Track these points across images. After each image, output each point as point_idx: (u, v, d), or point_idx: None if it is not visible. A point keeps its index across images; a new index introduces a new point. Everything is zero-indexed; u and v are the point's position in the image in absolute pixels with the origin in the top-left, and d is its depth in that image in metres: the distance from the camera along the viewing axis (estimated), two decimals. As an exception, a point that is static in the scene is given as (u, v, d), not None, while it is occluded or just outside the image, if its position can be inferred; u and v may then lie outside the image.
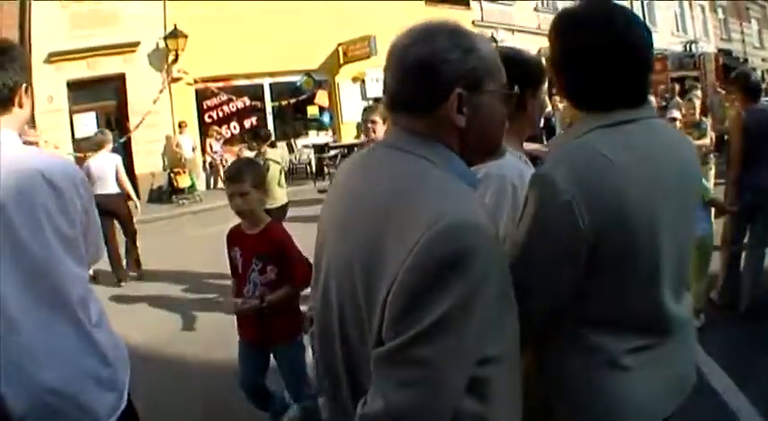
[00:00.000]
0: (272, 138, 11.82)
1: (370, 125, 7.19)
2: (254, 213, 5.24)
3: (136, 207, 12.29)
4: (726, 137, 10.13)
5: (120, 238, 11.81)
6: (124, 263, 11.74)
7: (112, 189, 11.29)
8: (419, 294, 1.72)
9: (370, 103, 17.57)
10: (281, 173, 10.27)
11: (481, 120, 1.98)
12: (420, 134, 1.98)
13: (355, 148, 20.99)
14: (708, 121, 12.16)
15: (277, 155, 10.79)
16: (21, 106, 3.08)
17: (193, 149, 23.41)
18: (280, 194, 10.10)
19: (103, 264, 10.66)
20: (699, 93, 16.73)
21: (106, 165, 11.39)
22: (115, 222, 11.48)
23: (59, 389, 2.76)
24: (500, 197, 2.80)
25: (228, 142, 24.90)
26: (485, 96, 1.98)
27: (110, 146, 11.97)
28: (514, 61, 2.85)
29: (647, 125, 2.36)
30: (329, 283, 2.06)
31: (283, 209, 10.03)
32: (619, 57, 2.29)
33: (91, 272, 4.18)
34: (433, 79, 1.92)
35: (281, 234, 5.30)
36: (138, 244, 12.08)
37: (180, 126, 23.17)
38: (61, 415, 2.79)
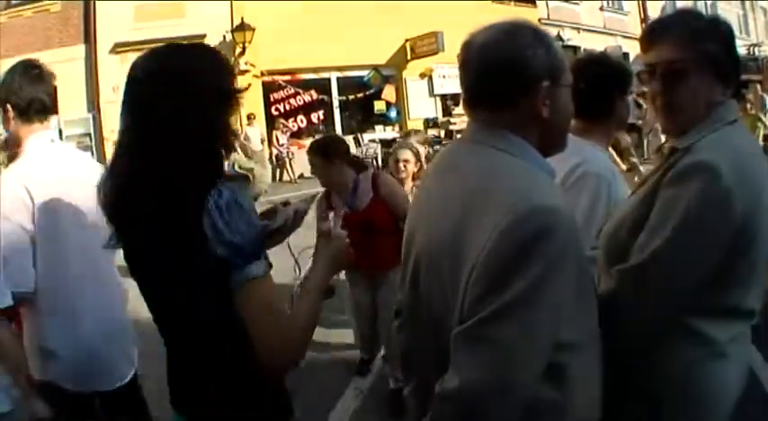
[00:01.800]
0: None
1: (401, 165, 6.63)
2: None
3: None
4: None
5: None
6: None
7: None
8: (497, 275, 1.80)
9: (399, 138, 17.76)
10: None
11: (558, 113, 2.07)
12: (499, 128, 2.05)
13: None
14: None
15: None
16: None
17: (262, 142, 23.44)
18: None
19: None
20: (751, 94, 16.80)
21: None
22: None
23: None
24: (595, 199, 3.01)
25: (295, 135, 25.05)
26: (562, 90, 2.07)
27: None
28: (603, 64, 3.22)
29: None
30: (419, 272, 2.16)
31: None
32: (736, 62, 2.47)
33: None
34: (521, 73, 1.99)
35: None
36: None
37: (248, 118, 23.28)
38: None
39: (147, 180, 2.13)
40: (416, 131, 16.78)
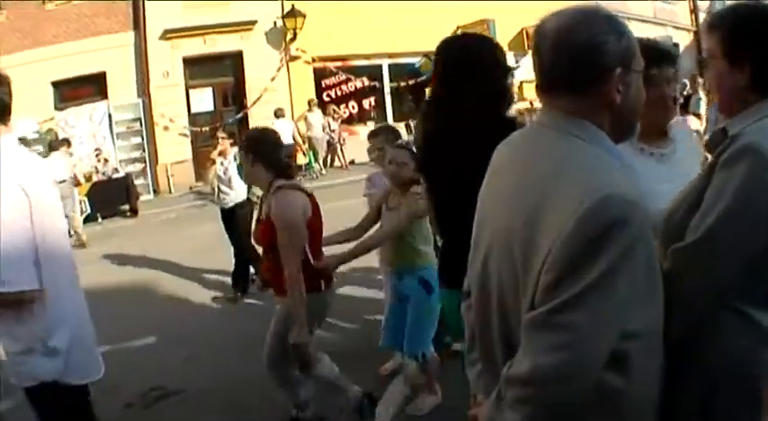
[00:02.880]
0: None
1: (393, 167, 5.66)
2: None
3: None
4: None
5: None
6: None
7: None
8: (571, 262, 1.82)
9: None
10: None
11: (630, 99, 2.07)
12: (572, 114, 2.06)
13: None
14: None
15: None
16: None
17: (323, 128, 23.24)
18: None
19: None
20: None
21: None
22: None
23: None
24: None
25: (347, 122, 25.01)
26: (634, 76, 2.07)
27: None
28: (656, 48, 3.25)
29: None
30: (490, 256, 2.18)
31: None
32: None
33: None
34: (597, 59, 2.00)
35: None
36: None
37: (309, 104, 23.17)
38: None
39: (457, 137, 2.95)
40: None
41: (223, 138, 11.09)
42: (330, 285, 5.38)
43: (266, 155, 5.30)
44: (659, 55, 3.18)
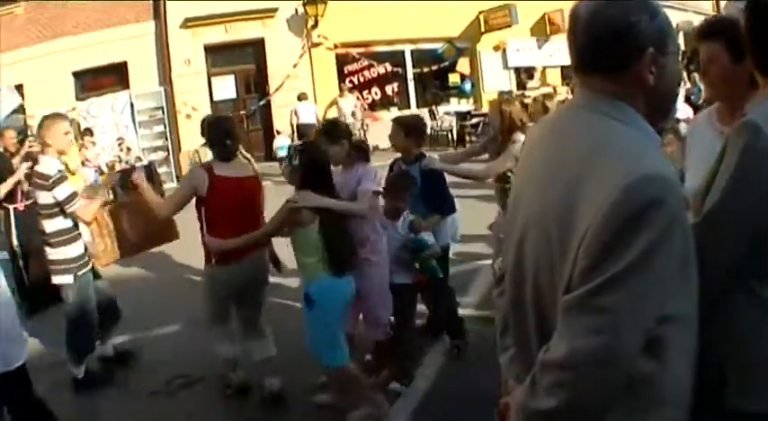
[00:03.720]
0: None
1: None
2: None
3: None
4: None
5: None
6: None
7: None
8: (608, 244, 1.79)
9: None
10: None
11: (664, 80, 2.04)
12: (607, 94, 2.05)
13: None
14: None
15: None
16: None
17: (353, 114, 23.03)
18: None
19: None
20: None
21: None
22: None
23: None
24: None
25: (370, 107, 24.93)
26: (668, 58, 2.04)
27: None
28: None
29: None
30: (525, 240, 2.15)
31: None
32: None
33: None
34: (629, 40, 1.98)
35: None
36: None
37: (341, 90, 23.04)
38: None
39: None
40: None
41: None
42: (227, 262, 5.89)
43: (212, 138, 6.42)
44: None
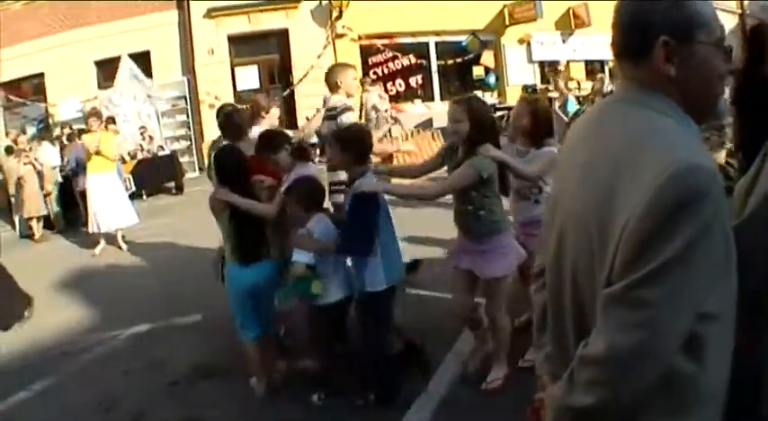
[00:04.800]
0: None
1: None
2: None
3: None
4: None
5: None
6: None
7: None
8: (650, 236, 1.74)
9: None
10: None
11: (692, 71, 1.96)
12: (643, 84, 2.00)
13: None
14: None
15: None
16: None
17: (374, 108, 22.63)
18: None
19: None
20: None
21: None
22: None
23: None
24: None
25: (394, 99, 24.51)
26: (697, 48, 1.95)
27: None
28: None
29: None
30: (564, 236, 2.12)
31: None
32: None
33: None
34: (640, 26, 1.96)
35: None
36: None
37: (361, 84, 22.78)
38: None
39: None
40: None
41: None
42: None
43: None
44: None
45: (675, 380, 1.84)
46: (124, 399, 6.32)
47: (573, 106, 14.08)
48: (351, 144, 5.55)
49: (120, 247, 12.94)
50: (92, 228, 12.95)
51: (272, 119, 8.09)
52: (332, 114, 7.43)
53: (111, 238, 13.10)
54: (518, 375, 5.55)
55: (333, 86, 7.68)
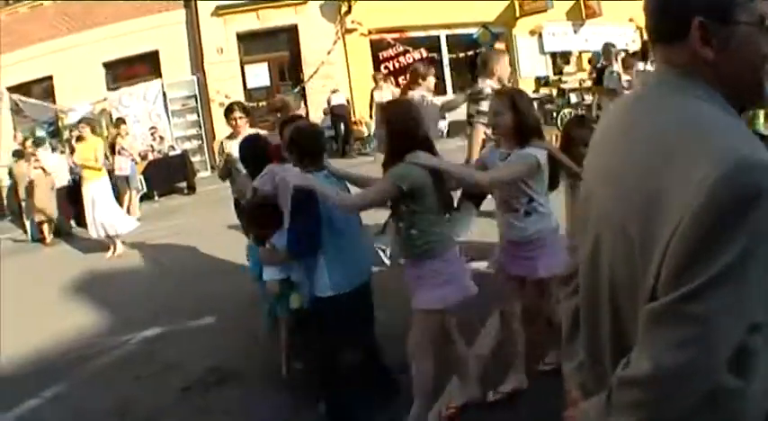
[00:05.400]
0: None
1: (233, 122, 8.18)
2: None
3: None
4: None
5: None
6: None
7: None
8: (702, 243, 1.57)
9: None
10: None
11: (732, 54, 1.80)
12: (680, 68, 1.85)
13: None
14: None
15: None
16: None
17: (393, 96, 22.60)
18: None
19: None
20: None
21: None
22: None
23: None
24: None
25: (405, 93, 24.30)
26: (737, 29, 1.79)
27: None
28: None
29: None
30: (600, 238, 1.96)
31: None
32: None
33: None
34: (674, 7, 1.84)
35: None
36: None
37: (375, 81, 22.70)
38: None
39: None
40: None
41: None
42: None
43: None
44: None
45: (721, 394, 1.69)
46: (136, 406, 6.21)
47: None
48: (292, 142, 5.25)
49: (118, 252, 12.89)
50: (94, 234, 12.98)
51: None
52: (477, 97, 8.05)
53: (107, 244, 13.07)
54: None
55: (488, 73, 8.23)
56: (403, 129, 4.71)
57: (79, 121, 13.45)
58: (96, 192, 12.82)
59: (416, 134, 4.73)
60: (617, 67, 14.90)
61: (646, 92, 2.04)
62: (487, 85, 7.99)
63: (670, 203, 1.65)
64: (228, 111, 8.19)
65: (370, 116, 21.66)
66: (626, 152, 1.89)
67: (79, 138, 13.31)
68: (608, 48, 16.56)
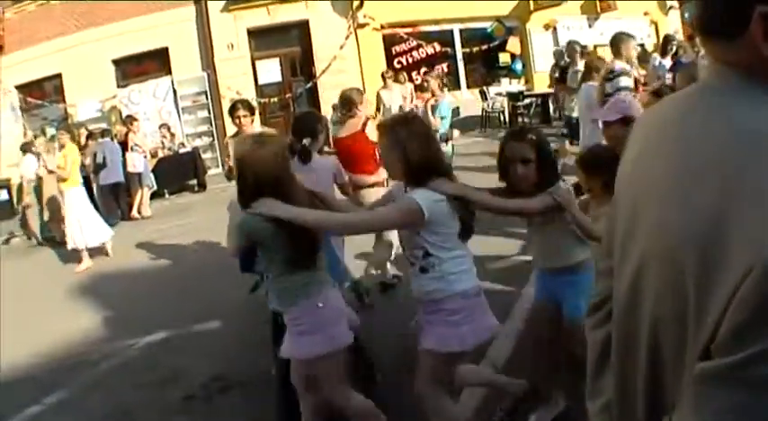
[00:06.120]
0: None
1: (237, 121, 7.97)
2: None
3: None
4: None
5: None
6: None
7: None
8: None
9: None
10: None
11: None
12: (741, 68, 1.54)
13: (549, 98, 22.34)
14: None
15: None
16: None
17: (401, 109, 22.06)
18: None
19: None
20: None
21: None
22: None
23: None
24: None
25: (419, 88, 24.16)
26: None
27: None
28: None
29: None
30: (645, 268, 1.65)
31: None
32: None
33: None
34: None
35: None
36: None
37: (383, 80, 21.89)
38: None
39: None
40: None
41: None
42: None
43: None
44: None
45: None
46: (139, 414, 6.07)
47: (447, 111, 12.50)
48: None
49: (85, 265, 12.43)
50: (70, 245, 12.55)
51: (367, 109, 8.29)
52: (610, 76, 8.84)
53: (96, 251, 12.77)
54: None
55: (616, 53, 9.16)
56: (550, 158, 4.34)
57: (57, 128, 13.33)
58: (68, 202, 12.61)
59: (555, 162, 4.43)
60: (580, 65, 14.51)
61: (700, 94, 1.74)
62: (618, 66, 8.88)
63: (737, 242, 1.38)
64: (233, 110, 8.02)
65: (374, 116, 21.35)
66: (681, 167, 1.61)
67: (62, 146, 13.11)
68: (572, 46, 16.41)
